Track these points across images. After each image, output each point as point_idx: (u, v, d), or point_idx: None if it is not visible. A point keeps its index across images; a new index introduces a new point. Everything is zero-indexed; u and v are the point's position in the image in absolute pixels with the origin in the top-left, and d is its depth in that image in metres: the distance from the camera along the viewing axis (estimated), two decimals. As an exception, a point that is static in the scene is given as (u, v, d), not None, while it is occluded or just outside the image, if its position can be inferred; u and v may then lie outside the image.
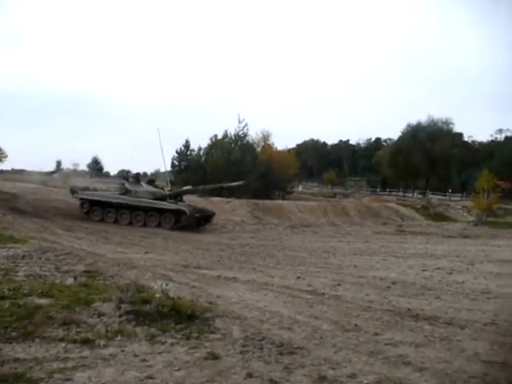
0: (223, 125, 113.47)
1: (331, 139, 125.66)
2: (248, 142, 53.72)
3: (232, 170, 45.16)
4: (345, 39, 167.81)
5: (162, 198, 28.07)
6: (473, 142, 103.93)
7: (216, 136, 51.91)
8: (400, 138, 78.37)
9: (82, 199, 27.90)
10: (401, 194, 70.66)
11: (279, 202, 42.80)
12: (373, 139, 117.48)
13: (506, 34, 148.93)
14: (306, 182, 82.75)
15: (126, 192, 27.85)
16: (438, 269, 13.95)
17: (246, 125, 51.76)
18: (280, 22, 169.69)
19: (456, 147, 78.96)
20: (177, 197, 29.22)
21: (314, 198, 52.26)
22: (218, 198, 37.83)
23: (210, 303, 8.51)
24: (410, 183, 77.61)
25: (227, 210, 34.10)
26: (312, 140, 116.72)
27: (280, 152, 61.08)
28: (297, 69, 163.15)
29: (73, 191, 29.22)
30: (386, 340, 6.72)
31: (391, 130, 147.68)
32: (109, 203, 27.37)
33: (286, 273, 12.82)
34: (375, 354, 6.08)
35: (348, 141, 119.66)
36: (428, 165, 71.68)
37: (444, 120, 74.83)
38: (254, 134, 57.51)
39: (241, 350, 6.06)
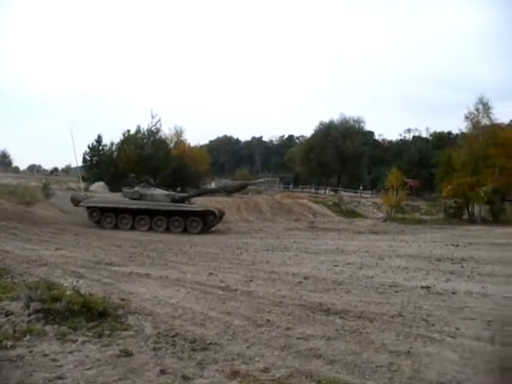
0: (136, 120, 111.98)
1: (244, 136, 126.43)
2: (161, 137, 53.20)
3: (144, 166, 44.68)
4: (258, 35, 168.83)
5: (179, 201, 27.25)
6: (383, 140, 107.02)
7: (129, 131, 51.08)
8: (312, 136, 79.33)
9: (90, 207, 26.57)
10: (313, 190, 71.57)
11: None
12: (286, 136, 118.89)
13: (416, 37, 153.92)
14: (219, 178, 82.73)
15: (140, 197, 26.60)
16: (349, 264, 14.22)
17: (158, 120, 51.21)
18: (195, 16, 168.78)
19: (367, 145, 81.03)
20: (186, 198, 28.33)
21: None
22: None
23: (123, 300, 8.42)
24: (322, 180, 78.72)
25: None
26: (225, 136, 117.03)
27: (192, 148, 60.93)
28: (210, 65, 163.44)
29: (76, 201, 27.52)
30: (298, 334, 6.81)
31: (304, 128, 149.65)
32: (123, 209, 26.26)
33: (198, 269, 12.80)
34: (287, 348, 6.17)
35: (261, 138, 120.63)
36: (340, 162, 73.00)
37: (356, 118, 76.53)
38: (167, 130, 57.09)
39: (153, 346, 6.04)
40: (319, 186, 76.33)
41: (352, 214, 44.77)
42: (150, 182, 28.68)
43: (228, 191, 33.84)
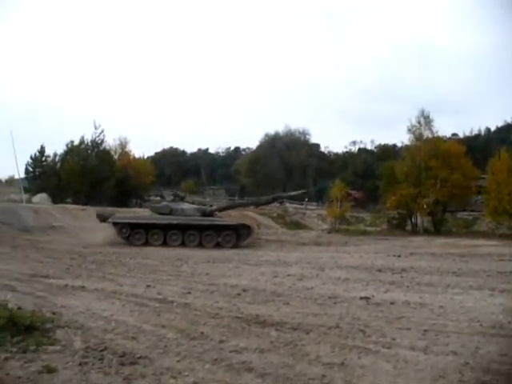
0: (80, 131, 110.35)
1: (191, 148, 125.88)
2: (105, 148, 52.45)
3: (88, 177, 44.05)
4: (203, 44, 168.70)
5: (209, 214, 27.09)
6: (329, 152, 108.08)
7: (72, 142, 50.21)
8: (258, 148, 79.64)
9: (118, 224, 25.87)
10: (259, 202, 71.43)
11: (135, 209, 42.11)
12: (232, 148, 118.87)
13: (359, 50, 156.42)
14: (164, 190, 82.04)
15: (171, 212, 26.16)
16: (289, 275, 14.16)
17: (102, 131, 50.52)
18: (136, 24, 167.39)
19: (312, 157, 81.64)
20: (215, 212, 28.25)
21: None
22: (74, 206, 36.67)
23: (54, 313, 8.19)
24: (268, 192, 78.79)
25: (82, 217, 32.99)
26: (171, 148, 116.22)
27: (137, 159, 60.30)
28: (155, 76, 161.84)
29: (102, 217, 26.94)
30: (232, 347, 6.70)
31: (251, 140, 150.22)
32: (154, 225, 25.64)
33: (136, 281, 12.61)
34: (219, 362, 6.05)
35: (207, 149, 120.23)
36: (285, 174, 73.32)
37: (301, 130, 77.21)
38: (111, 141, 56.33)
39: (80, 361, 5.85)
40: (265, 197, 76.10)
41: (297, 225, 44.95)
42: (180, 195, 28.89)
43: (259, 204, 34.18)
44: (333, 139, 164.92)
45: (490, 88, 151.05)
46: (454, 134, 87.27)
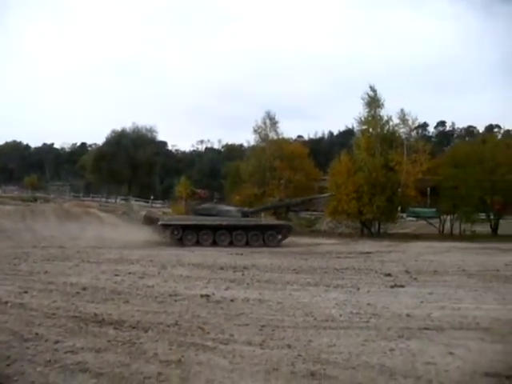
0: None
1: (35, 142, 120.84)
2: None
3: None
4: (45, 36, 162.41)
5: (247, 215, 29.12)
6: (176, 151, 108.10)
7: None
8: (104, 144, 77.74)
9: (170, 226, 27.25)
10: (104, 199, 70.12)
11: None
12: (78, 144, 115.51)
13: (207, 52, 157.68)
14: (6, 185, 78.13)
15: (217, 213, 27.84)
16: (130, 273, 14.03)
17: None
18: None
19: (159, 155, 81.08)
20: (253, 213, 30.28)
21: (12, 202, 49.43)
22: None
23: None
24: (114, 189, 77.37)
25: None
26: (14, 142, 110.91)
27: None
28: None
29: (150, 220, 28.95)
30: (67, 347, 6.52)
31: (98, 136, 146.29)
32: (205, 226, 27.01)
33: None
34: (52, 363, 5.86)
35: (52, 144, 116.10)
36: (131, 171, 72.17)
37: (148, 128, 76.20)
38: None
39: None
40: (110, 194, 74.85)
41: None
42: (220, 198, 31.52)
43: (291, 205, 36.04)
44: (181, 138, 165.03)
45: (335, 94, 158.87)
46: (299, 136, 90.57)
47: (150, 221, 28.96)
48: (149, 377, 5.55)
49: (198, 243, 26.48)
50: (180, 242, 26.67)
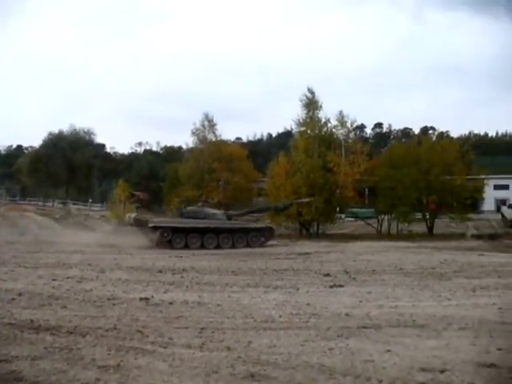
0: None
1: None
2: None
3: None
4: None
5: (231, 218, 29.63)
6: (115, 153, 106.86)
7: None
8: (41, 146, 76.12)
9: (161, 228, 27.30)
10: (41, 203, 68.64)
11: None
12: (14, 146, 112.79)
13: (143, 55, 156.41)
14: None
15: (205, 216, 28.19)
16: (69, 278, 13.81)
17: None
18: None
19: (97, 157, 79.91)
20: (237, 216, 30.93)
21: None
22: None
23: None
24: (51, 192, 75.84)
25: None
26: None
27: None
28: None
29: (140, 222, 29.02)
30: (1, 356, 6.33)
31: (34, 139, 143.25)
32: (193, 229, 27.26)
33: None
34: (-16, 374, 5.70)
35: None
36: (69, 174, 70.92)
37: (86, 130, 74.97)
38: None
39: None
40: (48, 197, 73.35)
41: (81, 227, 43.63)
42: (208, 202, 31.89)
43: (278, 210, 35.25)
44: (119, 140, 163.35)
45: (273, 97, 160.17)
46: (238, 138, 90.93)
47: (139, 223, 29.10)
48: (86, 383, 5.46)
49: (186, 246, 26.69)
50: (169, 245, 26.79)
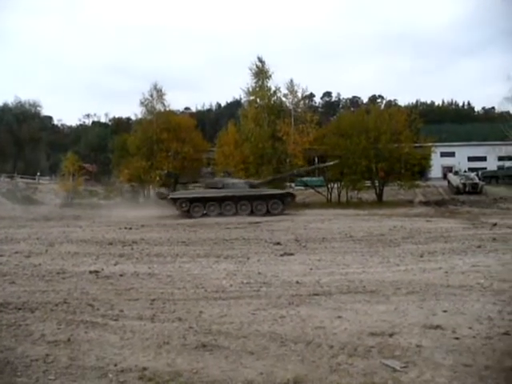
0: None
1: None
2: None
3: None
4: None
5: (256, 187, 30.85)
6: (62, 125, 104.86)
7: None
8: (-15, 119, 74.24)
9: (179, 199, 29.70)
10: (-13, 178, 66.97)
11: None
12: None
13: (94, 27, 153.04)
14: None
15: (223, 186, 29.99)
16: (17, 253, 13.65)
17: None
18: None
19: (45, 130, 78.36)
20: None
21: None
22: None
23: None
24: (-3, 167, 74.15)
25: None
26: None
27: None
28: None
29: (162, 195, 32.20)
30: None
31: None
32: (211, 198, 29.14)
33: None
34: None
35: None
36: (16, 147, 69.49)
37: (32, 102, 73.36)
38: None
39: None
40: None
41: (29, 201, 42.94)
42: (229, 172, 32.62)
43: (300, 174, 39.44)
44: (67, 112, 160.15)
45: (222, 66, 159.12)
46: (187, 108, 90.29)
47: (161, 196, 32.06)
48: (36, 359, 5.39)
49: (205, 215, 28.64)
50: (188, 214, 28.88)
